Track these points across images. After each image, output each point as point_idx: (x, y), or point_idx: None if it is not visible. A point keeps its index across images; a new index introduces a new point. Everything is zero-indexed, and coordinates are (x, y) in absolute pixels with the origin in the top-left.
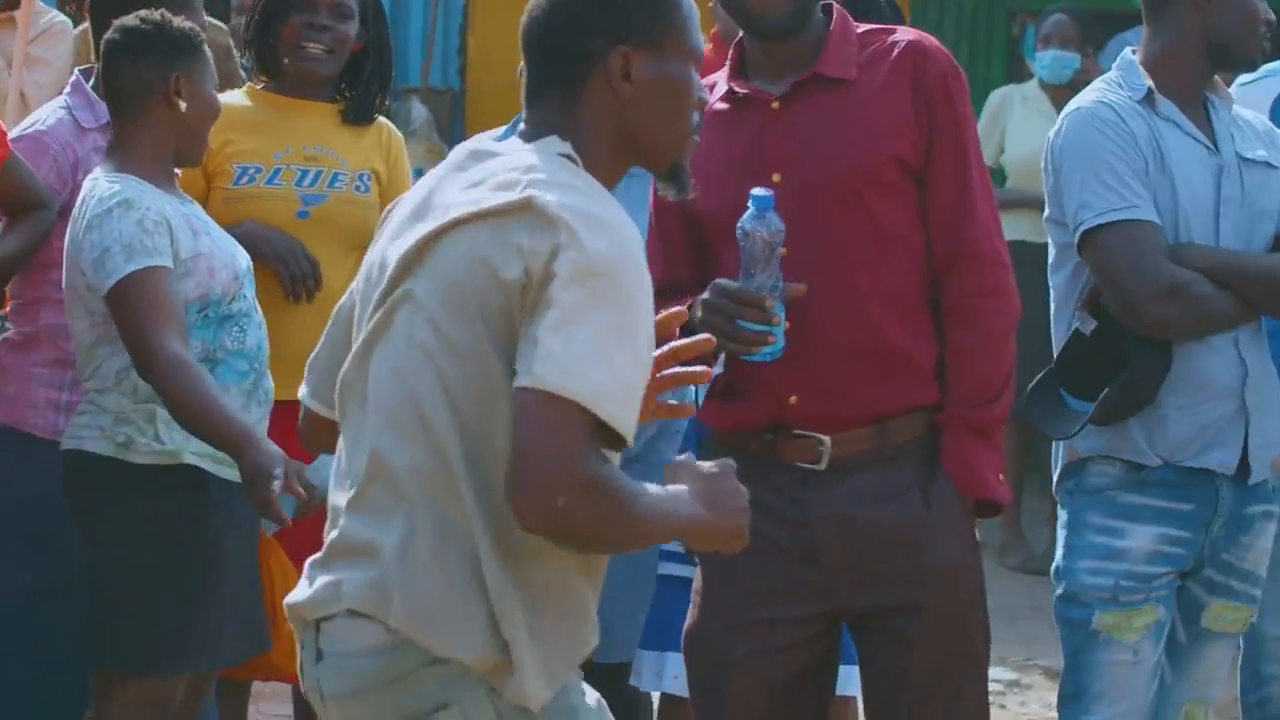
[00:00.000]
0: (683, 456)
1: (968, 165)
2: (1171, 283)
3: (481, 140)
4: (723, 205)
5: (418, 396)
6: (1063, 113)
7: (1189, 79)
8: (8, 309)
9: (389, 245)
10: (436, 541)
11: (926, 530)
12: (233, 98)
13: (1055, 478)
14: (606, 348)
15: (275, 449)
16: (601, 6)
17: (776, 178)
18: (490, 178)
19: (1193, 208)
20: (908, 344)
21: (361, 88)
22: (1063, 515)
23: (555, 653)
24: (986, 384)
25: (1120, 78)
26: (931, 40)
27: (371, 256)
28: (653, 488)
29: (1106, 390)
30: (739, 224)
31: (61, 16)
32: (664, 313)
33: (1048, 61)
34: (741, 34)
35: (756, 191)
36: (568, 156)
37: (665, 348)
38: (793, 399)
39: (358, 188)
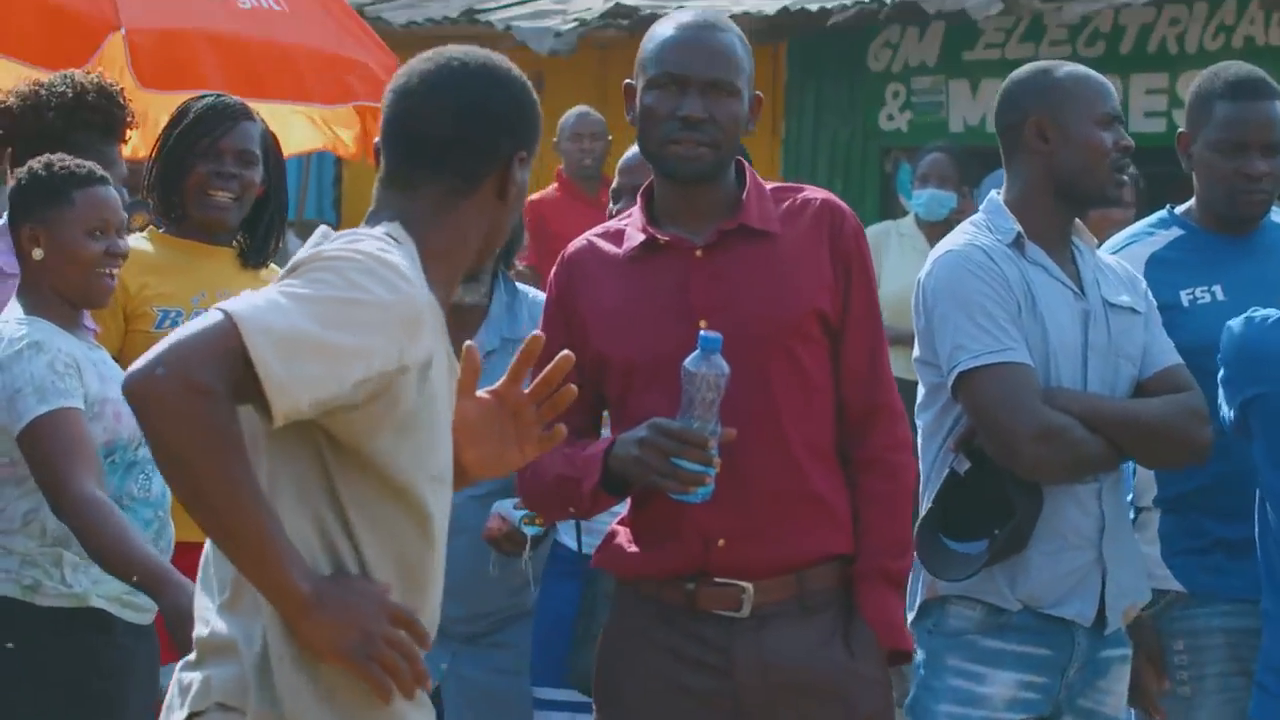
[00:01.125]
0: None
1: (877, 322)
2: (1047, 426)
3: (319, 233)
4: (642, 351)
5: None
6: (931, 255)
7: (1048, 221)
8: None
9: None
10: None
11: (853, 680)
12: (138, 242)
13: (912, 615)
14: (298, 311)
15: (193, 588)
16: (515, 109)
17: (703, 324)
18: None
19: (1062, 351)
20: (828, 493)
21: (261, 231)
22: (920, 653)
23: None
24: (901, 536)
25: (988, 221)
26: (839, 200)
27: None
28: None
29: (998, 532)
30: (684, 364)
31: None
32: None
33: (925, 200)
34: (650, 182)
35: (705, 333)
36: (391, 236)
37: (536, 380)
38: (721, 542)
39: None
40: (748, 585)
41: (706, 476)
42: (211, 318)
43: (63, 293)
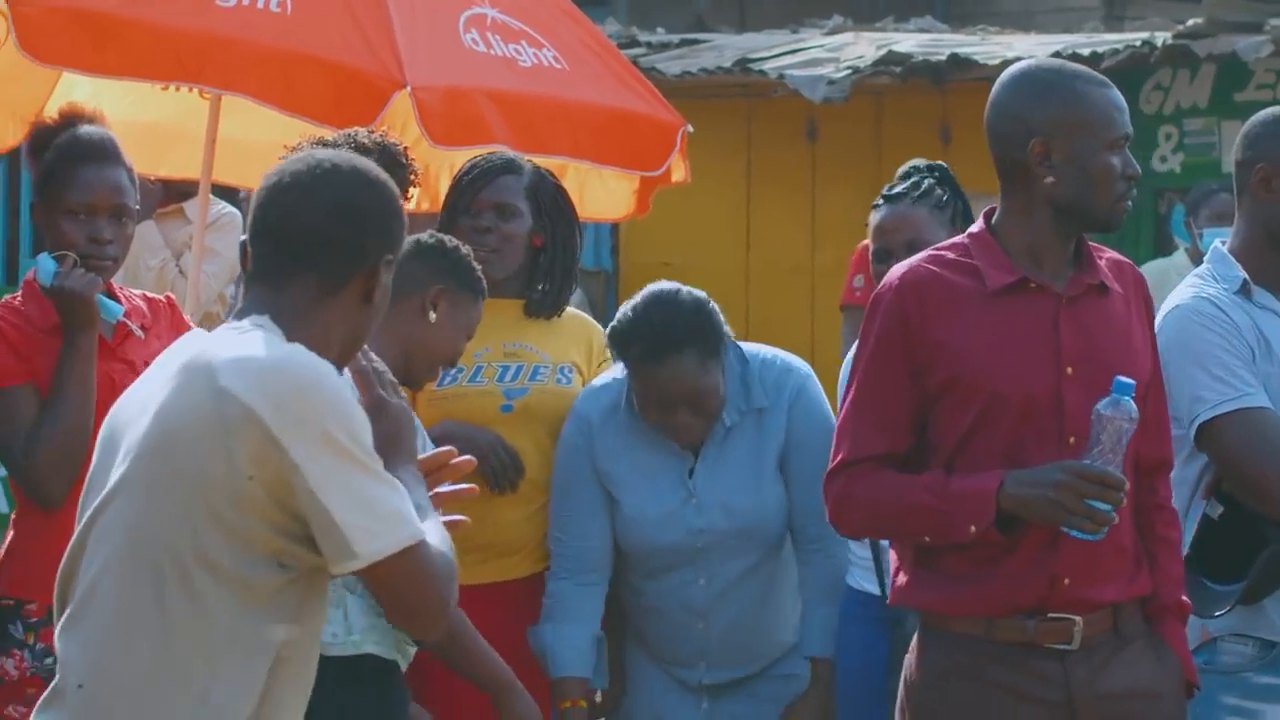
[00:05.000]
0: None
1: (1162, 381)
2: None
3: (194, 335)
4: (1012, 388)
5: None
6: (1161, 311)
7: (1272, 265)
8: None
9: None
10: None
11: (1170, 706)
12: None
13: None
14: (370, 486)
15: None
16: (384, 211)
17: (1070, 370)
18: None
19: None
20: (1130, 539)
21: (543, 281)
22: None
23: None
24: (1182, 575)
25: (1213, 271)
26: None
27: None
28: (431, 530)
29: (1254, 569)
30: (1097, 408)
31: (230, 208)
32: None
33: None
34: (992, 218)
35: (1120, 378)
36: (262, 329)
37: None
38: (1066, 581)
39: (559, 380)
40: (1078, 619)
41: (1114, 517)
42: (409, 549)
43: (410, 362)
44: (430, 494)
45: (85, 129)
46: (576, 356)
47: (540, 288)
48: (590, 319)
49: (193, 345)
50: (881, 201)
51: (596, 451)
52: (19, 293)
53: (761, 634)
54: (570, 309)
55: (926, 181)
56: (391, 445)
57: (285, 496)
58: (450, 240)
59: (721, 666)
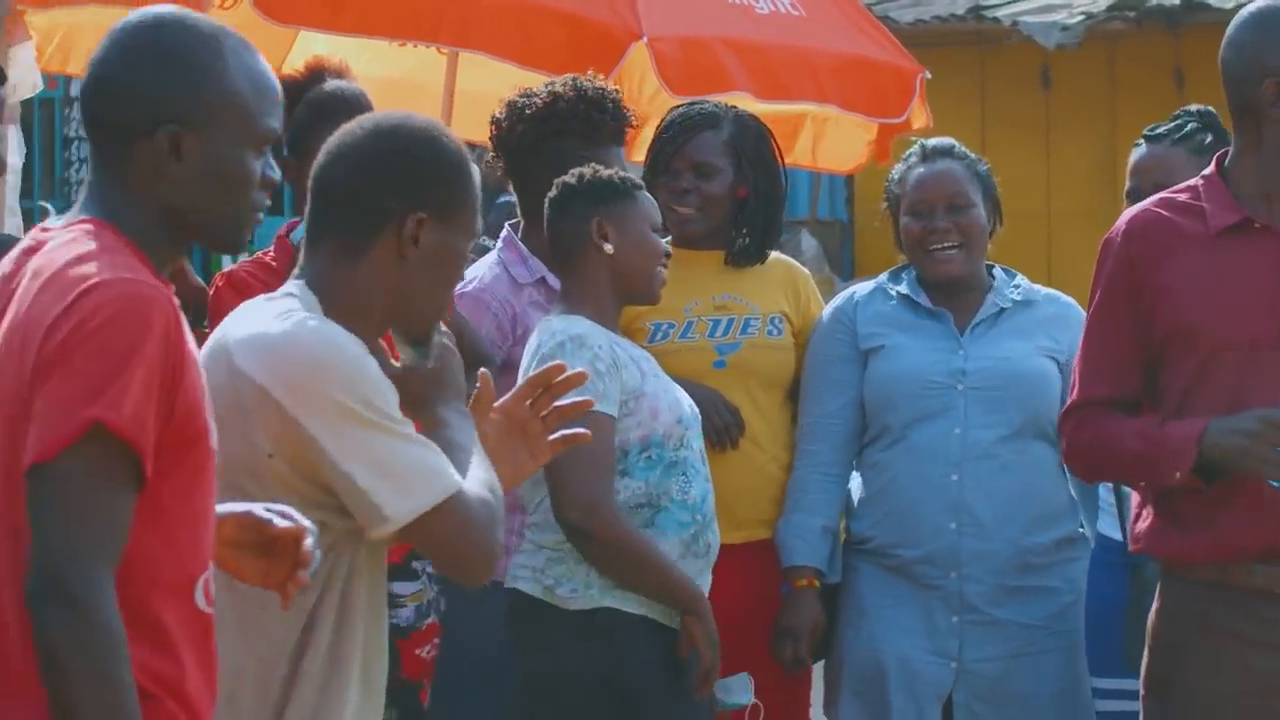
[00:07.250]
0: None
1: None
2: None
3: (242, 308)
4: (1239, 331)
5: None
6: None
7: None
8: None
9: None
10: None
11: None
12: None
13: None
14: (394, 448)
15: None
16: (401, 168)
17: None
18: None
19: None
20: None
21: (746, 232)
22: None
23: None
24: None
25: None
26: None
27: None
28: (471, 476)
29: None
30: None
31: None
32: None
33: None
34: (1224, 158)
35: None
36: (293, 294)
37: (538, 395)
38: None
39: (770, 332)
40: None
41: None
42: (444, 503)
43: (625, 287)
44: (548, 409)
45: (337, 83)
46: (785, 304)
47: (743, 237)
48: (794, 262)
49: (226, 321)
50: (1142, 141)
51: (859, 320)
52: (271, 248)
53: (1013, 509)
54: (775, 254)
55: (1190, 125)
56: (435, 384)
57: (311, 471)
58: (568, 175)
59: (972, 532)
